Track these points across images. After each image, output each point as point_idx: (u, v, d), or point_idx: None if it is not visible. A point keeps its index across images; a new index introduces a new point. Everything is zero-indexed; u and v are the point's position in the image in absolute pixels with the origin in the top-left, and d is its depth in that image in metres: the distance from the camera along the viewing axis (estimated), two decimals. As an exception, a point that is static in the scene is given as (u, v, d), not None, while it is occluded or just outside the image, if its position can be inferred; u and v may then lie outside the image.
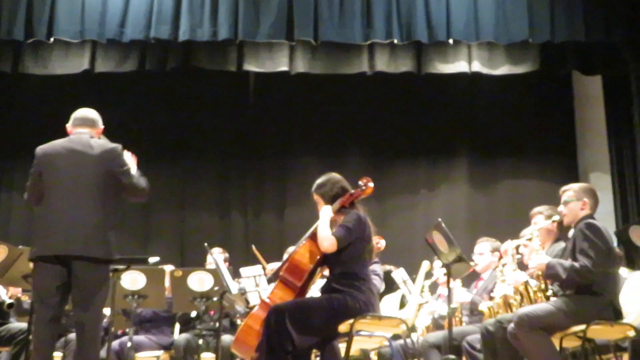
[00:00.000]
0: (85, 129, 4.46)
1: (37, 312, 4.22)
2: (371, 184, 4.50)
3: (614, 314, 4.49)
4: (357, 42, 7.39)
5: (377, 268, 5.61)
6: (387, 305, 6.33)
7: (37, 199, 4.32)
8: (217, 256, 5.96)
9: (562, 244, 4.94)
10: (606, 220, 7.32)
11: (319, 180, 4.64)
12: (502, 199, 8.72)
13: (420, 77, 7.79)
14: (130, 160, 4.48)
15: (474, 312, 5.70)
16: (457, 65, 7.61)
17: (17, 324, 5.89)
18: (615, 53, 7.65)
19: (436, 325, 6.10)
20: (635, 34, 7.42)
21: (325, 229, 4.38)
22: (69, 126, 4.51)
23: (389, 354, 5.68)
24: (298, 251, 4.47)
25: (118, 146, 4.42)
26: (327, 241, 4.33)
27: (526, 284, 4.97)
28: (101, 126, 4.56)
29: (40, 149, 4.39)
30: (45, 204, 4.27)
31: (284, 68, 7.57)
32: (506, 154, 8.78)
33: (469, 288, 5.98)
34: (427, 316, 6.18)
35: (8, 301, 5.81)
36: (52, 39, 7.31)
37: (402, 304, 6.34)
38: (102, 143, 4.43)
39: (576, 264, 4.49)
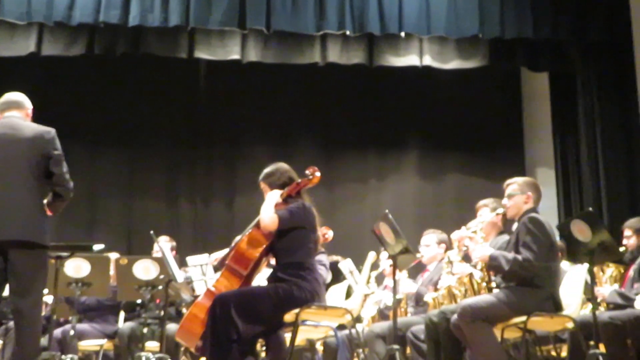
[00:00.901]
0: (14, 111, 4.34)
1: None
2: (318, 174, 4.49)
3: (554, 306, 4.58)
4: (310, 32, 7.39)
5: (324, 258, 5.62)
6: (334, 295, 6.35)
7: None
8: (163, 244, 5.91)
9: (505, 237, 5.03)
10: (550, 215, 7.51)
11: (266, 169, 4.62)
12: (450, 191, 8.85)
13: (372, 69, 7.83)
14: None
15: (419, 303, 5.77)
16: (409, 59, 7.66)
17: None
18: (562, 50, 7.80)
19: (382, 315, 6.15)
20: (582, 32, 7.57)
21: (268, 209, 4.37)
22: None
23: (335, 344, 5.70)
24: (244, 239, 4.45)
25: (51, 129, 4.30)
26: (269, 219, 4.30)
27: (470, 275, 5.04)
28: (29, 107, 4.43)
29: None
30: None
31: (236, 56, 7.52)
32: (455, 147, 8.90)
33: (415, 279, 6.04)
34: (373, 307, 6.23)
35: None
36: (-3, 20, 7.13)
37: (349, 295, 6.38)
38: (34, 126, 4.30)
39: (519, 257, 4.56)
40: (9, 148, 4.17)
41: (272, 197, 4.44)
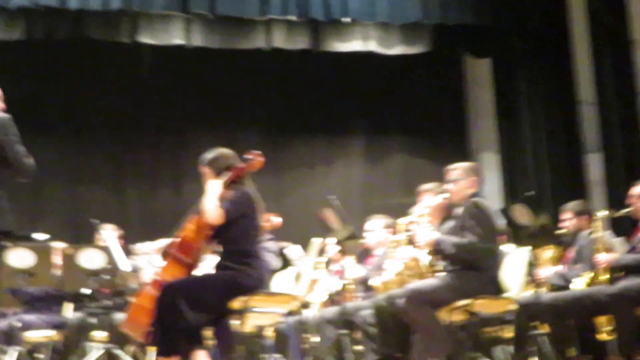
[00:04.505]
0: None
1: None
2: (260, 158, 4.46)
3: (497, 289, 4.70)
4: (254, 17, 7.36)
5: (272, 245, 5.64)
6: (283, 281, 6.38)
7: None
8: (108, 233, 5.84)
9: (451, 223, 5.11)
10: (493, 199, 7.64)
11: (209, 154, 4.57)
12: (396, 176, 8.94)
13: (317, 54, 7.84)
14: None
15: (367, 287, 5.83)
16: (353, 44, 7.72)
17: None
18: (503, 37, 7.94)
19: (331, 301, 6.20)
20: (523, 18, 7.71)
21: (212, 201, 4.34)
22: None
23: (286, 330, 5.74)
24: (187, 227, 4.44)
25: (5, 115, 4.29)
26: (214, 213, 4.28)
27: (416, 260, 5.12)
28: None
29: None
30: None
31: (180, 41, 7.46)
32: (400, 133, 8.99)
33: (363, 264, 6.10)
34: (323, 292, 6.27)
35: None
36: None
37: (297, 281, 6.41)
38: None
39: (464, 240, 4.65)
40: None
41: (214, 188, 4.41)
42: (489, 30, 7.83)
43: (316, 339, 5.45)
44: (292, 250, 6.18)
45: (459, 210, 4.87)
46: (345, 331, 4.79)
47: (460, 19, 7.54)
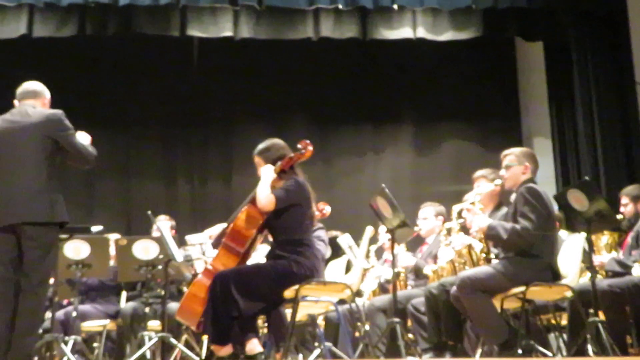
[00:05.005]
0: (29, 100, 4.47)
1: None
2: (310, 147, 4.48)
3: (552, 276, 4.60)
4: (302, 7, 7.35)
5: (322, 234, 5.64)
6: (334, 270, 6.38)
7: None
8: (162, 224, 5.91)
9: (504, 209, 5.03)
10: (547, 184, 7.52)
11: (261, 145, 4.62)
12: (447, 163, 8.85)
13: (365, 42, 7.79)
14: (83, 136, 4.50)
15: (418, 275, 5.79)
16: (402, 31, 7.63)
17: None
18: (556, 19, 7.76)
19: (382, 289, 6.18)
20: (575, 0, 7.53)
21: (264, 188, 4.37)
22: (15, 101, 4.50)
23: (336, 318, 5.74)
24: (239, 217, 4.46)
25: (57, 111, 4.41)
26: (266, 199, 4.31)
27: (469, 247, 5.06)
28: (47, 96, 4.55)
29: None
30: None
31: (228, 33, 7.48)
32: (451, 119, 8.89)
33: (414, 252, 6.06)
34: (374, 281, 6.25)
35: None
36: (-13, 3, 7.08)
37: (348, 269, 6.41)
38: (40, 110, 4.43)
39: (517, 226, 4.58)
40: (17, 135, 4.30)
41: (267, 174, 4.44)
42: (541, 13, 7.66)
43: (367, 327, 5.43)
44: (343, 238, 6.17)
45: (513, 197, 4.80)
46: (396, 320, 4.76)
47: (511, 2, 7.39)
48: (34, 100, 4.47)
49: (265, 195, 4.33)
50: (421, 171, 8.81)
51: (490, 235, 4.73)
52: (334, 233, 6.26)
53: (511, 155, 4.89)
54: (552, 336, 5.20)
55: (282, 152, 4.56)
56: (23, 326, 4.09)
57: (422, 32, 7.61)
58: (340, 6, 7.31)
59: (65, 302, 6.55)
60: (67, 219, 4.33)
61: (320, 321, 5.91)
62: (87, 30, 7.35)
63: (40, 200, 4.22)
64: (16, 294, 4.12)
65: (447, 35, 7.69)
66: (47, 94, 4.56)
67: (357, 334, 5.87)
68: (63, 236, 4.92)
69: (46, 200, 4.24)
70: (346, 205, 8.00)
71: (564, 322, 5.18)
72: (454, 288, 4.64)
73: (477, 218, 4.82)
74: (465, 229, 5.15)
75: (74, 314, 5.69)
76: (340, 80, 8.83)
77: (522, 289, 4.52)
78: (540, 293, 4.62)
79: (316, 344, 5.16)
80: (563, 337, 5.04)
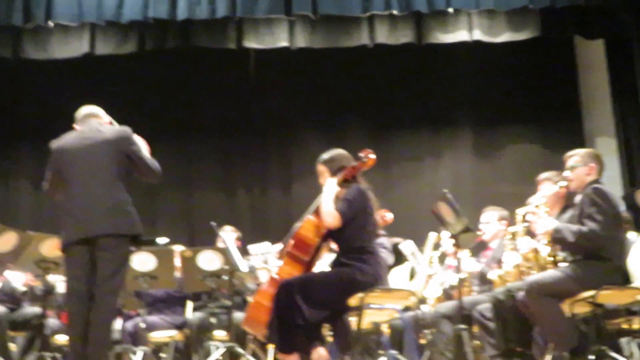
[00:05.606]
0: (93, 119, 4.59)
1: (69, 289, 4.32)
2: (372, 156, 4.51)
3: (623, 279, 4.50)
4: (356, 14, 7.36)
5: (385, 241, 5.63)
6: (397, 277, 6.35)
7: (55, 192, 4.46)
8: (226, 235, 5.98)
9: (571, 212, 4.93)
10: (612, 185, 7.33)
11: (325, 155, 4.67)
12: (508, 166, 8.71)
13: (421, 47, 7.75)
14: (141, 143, 4.59)
15: (483, 281, 5.72)
16: (458, 35, 7.57)
17: (31, 309, 5.96)
18: (615, 16, 7.59)
19: (447, 295, 6.12)
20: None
21: (328, 204, 4.39)
22: (75, 125, 4.61)
23: (401, 326, 5.71)
24: (303, 226, 4.49)
25: (127, 128, 4.54)
26: (331, 216, 4.35)
27: (536, 251, 4.98)
28: (105, 118, 4.67)
29: (55, 144, 4.50)
30: (67, 194, 4.39)
31: (284, 43, 7.54)
32: (510, 122, 8.75)
33: (478, 258, 5.99)
34: (438, 287, 6.20)
35: (21, 289, 5.87)
36: (51, 23, 7.28)
37: (412, 276, 6.37)
38: (112, 127, 4.57)
39: (584, 228, 4.49)
40: (88, 150, 4.40)
41: (330, 189, 4.46)
42: (600, 10, 7.51)
43: (432, 334, 5.39)
44: (406, 245, 6.13)
45: (579, 198, 4.70)
46: (463, 326, 4.71)
47: (569, 1, 7.27)
48: (97, 120, 4.59)
49: (329, 212, 4.37)
50: (481, 175, 8.70)
51: (557, 239, 4.64)
52: (396, 240, 6.23)
53: (576, 156, 4.80)
54: (624, 341, 5.07)
55: (345, 161, 4.58)
56: (97, 338, 4.17)
57: (478, 35, 7.54)
58: (394, 12, 7.30)
59: (133, 313, 6.66)
60: (142, 231, 4.42)
61: (385, 329, 5.89)
62: (147, 45, 7.51)
63: (118, 213, 4.33)
64: (89, 308, 4.21)
65: (504, 37, 7.60)
66: (107, 117, 4.69)
67: (421, 341, 5.83)
68: (132, 249, 5.02)
69: (124, 213, 4.35)
70: (406, 211, 7.94)
71: (636, 326, 5.05)
72: (521, 293, 4.56)
73: (543, 221, 4.74)
74: (530, 233, 5.07)
75: (142, 325, 5.79)
76: (397, 86, 8.80)
77: (592, 293, 4.43)
78: (611, 297, 4.52)
79: (381, 351, 5.14)
80: (635, 341, 4.91)
